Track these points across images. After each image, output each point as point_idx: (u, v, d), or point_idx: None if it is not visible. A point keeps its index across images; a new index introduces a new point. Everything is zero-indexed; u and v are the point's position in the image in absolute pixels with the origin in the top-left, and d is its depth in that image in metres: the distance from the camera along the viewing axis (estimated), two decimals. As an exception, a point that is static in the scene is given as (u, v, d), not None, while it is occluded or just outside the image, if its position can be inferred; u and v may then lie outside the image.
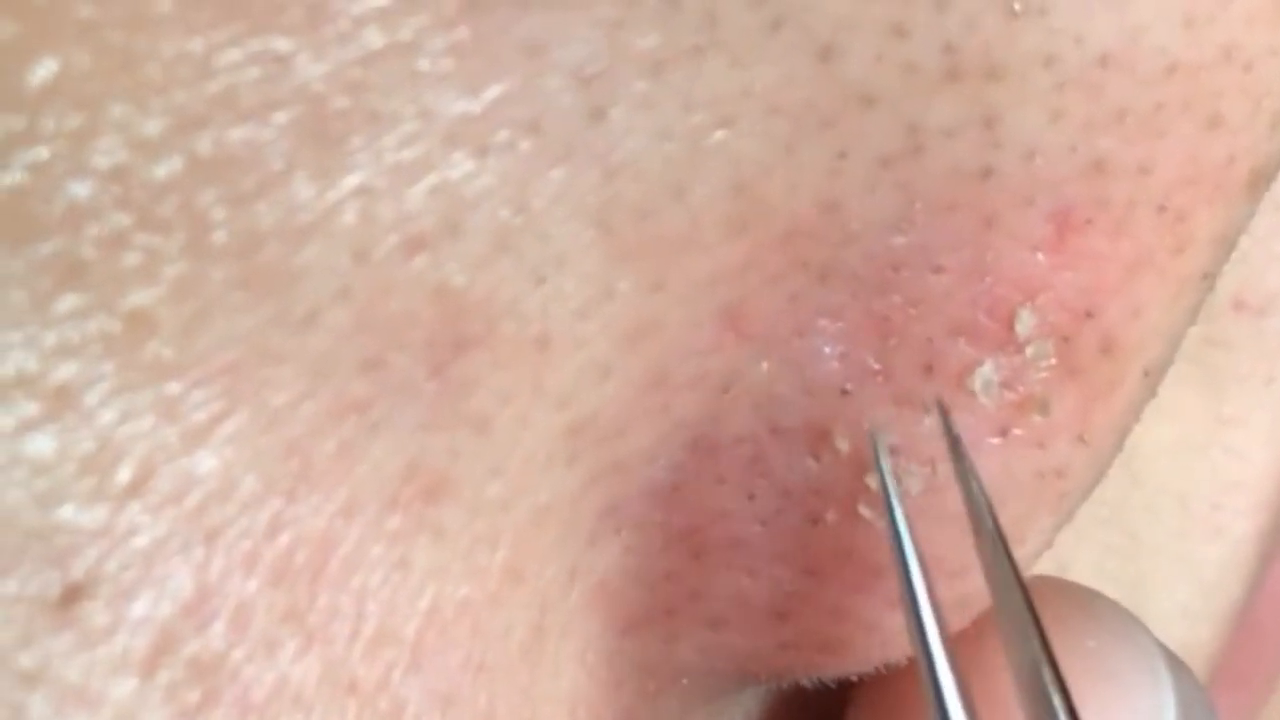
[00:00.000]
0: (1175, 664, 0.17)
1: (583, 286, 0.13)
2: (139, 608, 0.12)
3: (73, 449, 0.11)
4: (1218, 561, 0.21)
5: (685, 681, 0.17)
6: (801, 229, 0.14)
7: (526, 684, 0.14)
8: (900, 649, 0.16)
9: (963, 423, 0.15)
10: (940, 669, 0.14)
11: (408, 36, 0.12)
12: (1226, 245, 0.15)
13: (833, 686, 0.17)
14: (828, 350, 0.15)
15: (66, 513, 0.11)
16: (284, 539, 0.13)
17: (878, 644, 0.16)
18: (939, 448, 0.15)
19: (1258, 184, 0.15)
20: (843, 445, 0.15)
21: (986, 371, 0.14)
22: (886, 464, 0.15)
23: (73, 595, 0.11)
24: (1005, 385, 0.15)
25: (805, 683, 0.17)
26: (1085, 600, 0.18)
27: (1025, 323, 0.14)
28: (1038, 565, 0.20)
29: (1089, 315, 0.15)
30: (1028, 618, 0.14)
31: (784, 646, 0.16)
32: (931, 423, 0.15)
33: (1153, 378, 0.15)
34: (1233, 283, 0.21)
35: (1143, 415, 0.16)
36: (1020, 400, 0.15)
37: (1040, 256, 0.14)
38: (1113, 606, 0.17)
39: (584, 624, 0.15)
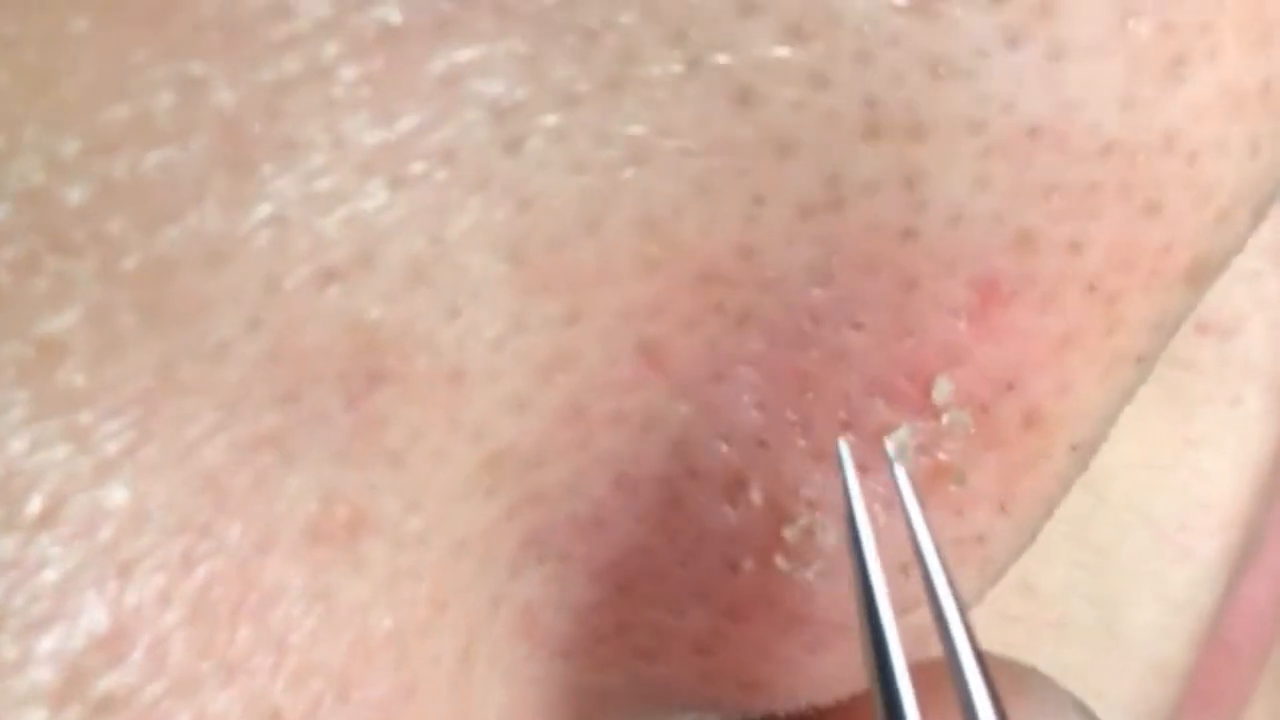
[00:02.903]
0: None
1: (497, 319, 0.13)
2: (49, 641, 0.12)
3: None
4: (1187, 580, 0.20)
5: (616, 707, 0.17)
6: (717, 272, 0.14)
7: (457, 710, 0.14)
8: (825, 691, 0.16)
9: (881, 484, 0.15)
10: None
11: (324, 63, 0.12)
12: (1164, 331, 0.15)
13: None
14: (746, 398, 0.14)
15: None
16: (200, 572, 0.13)
17: (804, 685, 0.16)
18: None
19: (1199, 275, 0.14)
20: (757, 497, 0.15)
21: (903, 435, 0.14)
22: (853, 479, 0.14)
23: None
24: (922, 450, 0.14)
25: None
26: (1021, 680, 0.17)
27: (943, 390, 0.14)
28: (1005, 588, 0.20)
29: (1010, 387, 0.14)
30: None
31: (708, 680, 0.16)
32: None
33: (1082, 453, 0.15)
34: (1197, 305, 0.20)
35: (1109, 435, 0.16)
36: (936, 467, 0.15)
37: (962, 325, 0.14)
38: (1052, 688, 0.17)
39: (511, 650, 0.15)
